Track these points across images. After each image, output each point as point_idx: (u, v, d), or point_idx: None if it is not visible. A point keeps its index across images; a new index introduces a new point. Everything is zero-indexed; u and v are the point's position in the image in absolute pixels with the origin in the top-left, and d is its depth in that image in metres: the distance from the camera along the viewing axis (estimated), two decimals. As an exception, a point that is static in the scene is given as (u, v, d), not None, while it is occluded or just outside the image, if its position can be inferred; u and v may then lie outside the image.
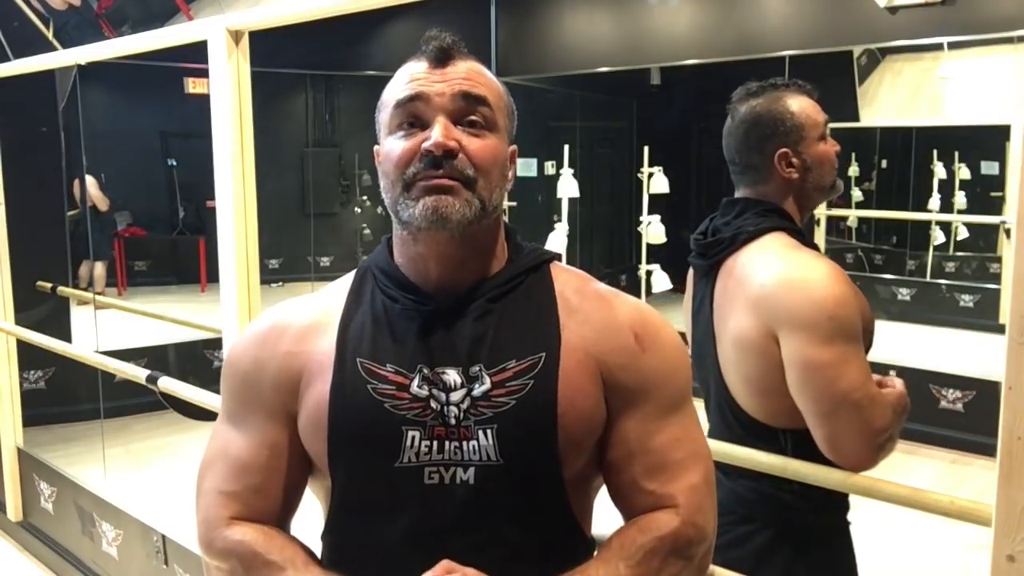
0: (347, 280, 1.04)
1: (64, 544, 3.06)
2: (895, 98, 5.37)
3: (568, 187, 4.31)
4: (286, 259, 7.20)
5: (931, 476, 3.91)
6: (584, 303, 0.99)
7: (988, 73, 4.81)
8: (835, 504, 1.44)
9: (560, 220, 4.31)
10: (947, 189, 5.37)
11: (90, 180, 6.32)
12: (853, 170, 5.58)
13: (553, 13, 4.82)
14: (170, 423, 4.09)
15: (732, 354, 1.41)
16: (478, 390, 0.91)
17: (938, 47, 4.78)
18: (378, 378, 0.93)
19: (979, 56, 4.79)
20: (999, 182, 5.22)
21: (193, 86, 6.23)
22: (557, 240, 4.17)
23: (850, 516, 1.48)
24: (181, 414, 2.17)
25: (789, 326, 1.31)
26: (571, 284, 1.01)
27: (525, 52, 4.86)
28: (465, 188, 0.91)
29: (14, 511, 3.30)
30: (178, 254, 7.83)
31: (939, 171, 5.41)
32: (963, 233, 5.42)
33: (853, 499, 1.43)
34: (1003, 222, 5.10)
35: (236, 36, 1.79)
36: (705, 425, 1.17)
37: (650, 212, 4.24)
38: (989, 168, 5.30)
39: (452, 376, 0.92)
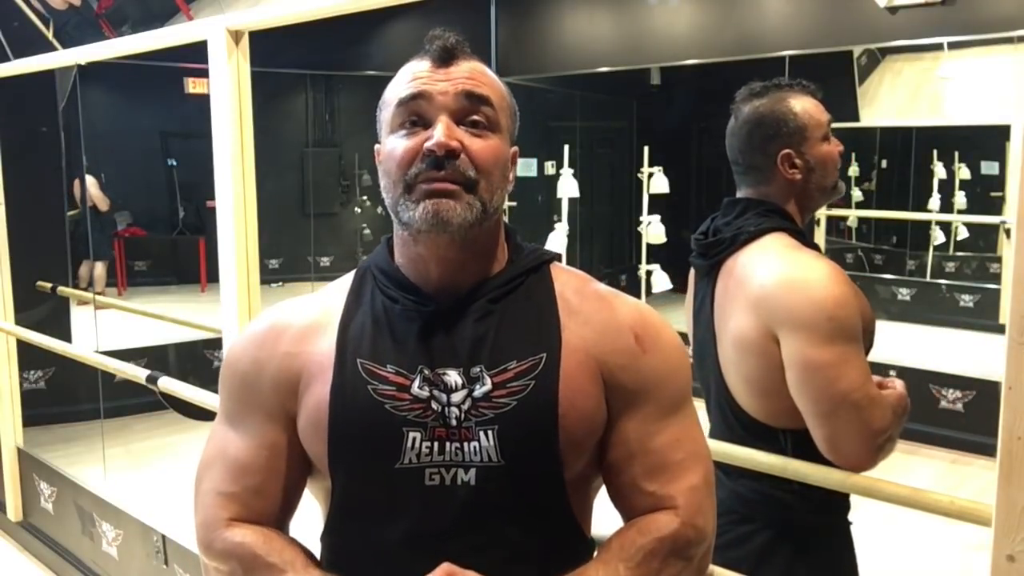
0: (347, 280, 1.03)
1: (64, 544, 3.06)
2: (895, 98, 5.36)
3: (568, 187, 4.31)
4: (286, 259, 7.20)
5: (931, 476, 3.91)
6: (584, 304, 0.99)
7: (988, 73, 4.80)
8: (835, 504, 1.44)
9: (560, 220, 4.30)
10: (947, 189, 5.37)
11: (90, 180, 6.32)
12: (853, 170, 5.58)
13: (553, 13, 4.81)
14: (170, 423, 4.09)
15: (732, 354, 1.41)
16: (479, 391, 0.91)
17: (938, 47, 4.78)
18: (379, 379, 0.93)
19: (979, 56, 4.79)
20: (999, 182, 5.22)
21: (193, 86, 6.23)
22: (557, 240, 4.16)
23: (850, 516, 1.48)
24: (181, 414, 2.17)
25: (789, 326, 1.31)
26: (571, 285, 1.01)
27: (525, 52, 4.85)
28: (466, 191, 0.91)
29: (14, 511, 3.30)
30: (178, 254, 7.83)
31: (939, 171, 5.40)
32: (963, 233, 5.41)
33: (853, 499, 1.43)
34: (1003, 222, 5.10)
35: (236, 36, 1.79)
36: (705, 425, 1.17)
37: (650, 212, 4.24)
38: (989, 168, 5.30)
39: (453, 377, 0.92)
